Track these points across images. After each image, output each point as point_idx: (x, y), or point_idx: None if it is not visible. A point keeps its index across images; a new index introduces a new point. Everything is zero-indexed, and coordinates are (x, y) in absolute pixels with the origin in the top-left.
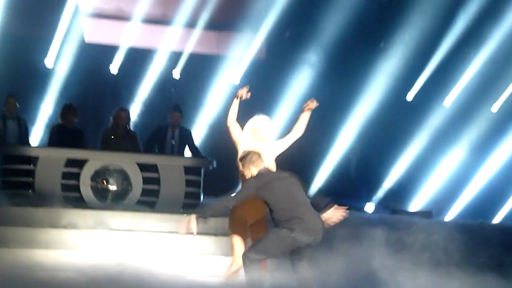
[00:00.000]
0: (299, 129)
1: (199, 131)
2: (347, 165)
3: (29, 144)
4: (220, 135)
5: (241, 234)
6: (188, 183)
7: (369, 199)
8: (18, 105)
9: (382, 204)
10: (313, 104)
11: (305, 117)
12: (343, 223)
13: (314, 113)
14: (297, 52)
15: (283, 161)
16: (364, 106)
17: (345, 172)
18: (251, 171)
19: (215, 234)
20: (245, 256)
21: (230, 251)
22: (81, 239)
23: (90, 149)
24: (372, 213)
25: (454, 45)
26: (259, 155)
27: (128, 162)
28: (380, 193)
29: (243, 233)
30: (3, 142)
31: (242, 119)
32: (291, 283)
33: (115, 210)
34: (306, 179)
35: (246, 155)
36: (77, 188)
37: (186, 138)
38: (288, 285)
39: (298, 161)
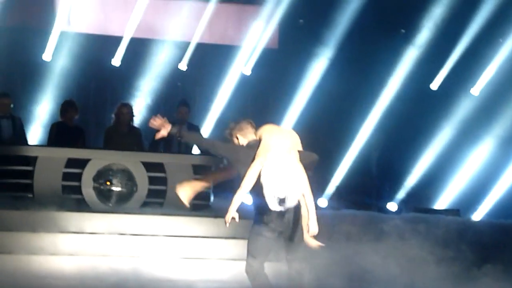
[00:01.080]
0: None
1: (208, 127)
2: (368, 160)
3: (26, 143)
4: None
5: None
6: None
7: (391, 197)
8: (12, 104)
9: (406, 203)
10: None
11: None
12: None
13: (332, 105)
14: (312, 40)
15: None
16: (385, 97)
17: (366, 168)
18: (238, 141)
19: (234, 237)
20: (247, 266)
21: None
22: (84, 243)
23: (92, 148)
24: (395, 212)
25: (481, 30)
26: (250, 124)
27: (132, 161)
28: (403, 190)
29: None
30: None
31: (256, 115)
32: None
33: (119, 212)
34: (323, 176)
35: (237, 122)
36: (78, 190)
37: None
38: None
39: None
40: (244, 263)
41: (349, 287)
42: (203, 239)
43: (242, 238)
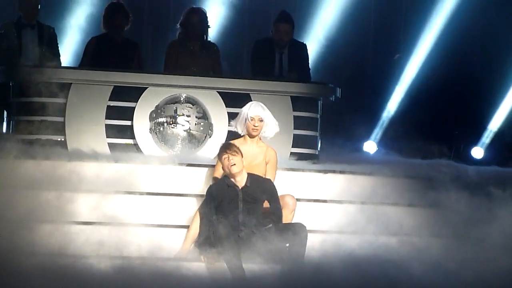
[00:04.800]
0: None
1: (312, 47)
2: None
3: (58, 65)
4: (346, 51)
5: None
6: (299, 121)
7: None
8: (40, 6)
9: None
10: None
11: None
12: None
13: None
14: None
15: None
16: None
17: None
18: None
19: None
20: None
21: None
22: (129, 206)
23: (149, 71)
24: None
25: None
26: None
27: (206, 90)
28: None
29: None
30: (16, 62)
31: None
32: None
33: (186, 164)
34: (471, 124)
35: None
36: (129, 131)
37: (299, 57)
38: None
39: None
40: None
41: None
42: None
43: None
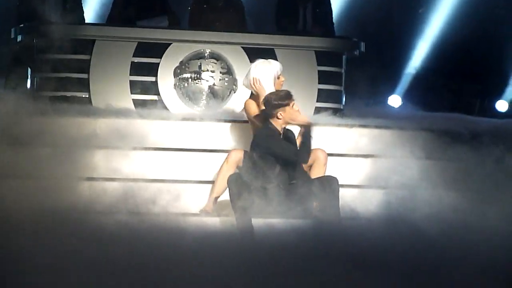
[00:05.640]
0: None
1: (335, 1)
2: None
3: (81, 21)
4: (370, 5)
5: None
6: (323, 76)
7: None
8: None
9: None
10: None
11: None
12: None
13: None
14: None
15: None
16: None
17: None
18: None
19: None
20: None
21: None
22: (155, 163)
23: (173, 27)
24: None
25: None
26: None
27: (230, 46)
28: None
29: None
30: (39, 19)
31: None
32: None
33: (211, 120)
34: (495, 77)
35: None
36: (154, 88)
37: (322, 11)
38: None
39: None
40: None
41: None
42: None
43: None
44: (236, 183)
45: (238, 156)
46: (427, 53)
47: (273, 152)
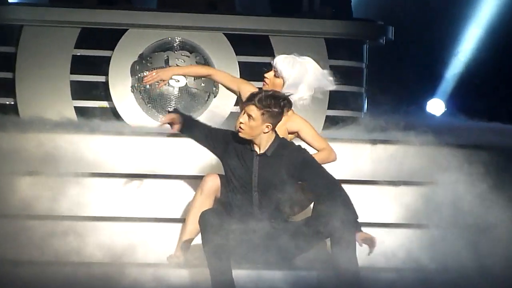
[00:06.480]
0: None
1: None
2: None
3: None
4: None
5: None
6: (337, 73)
7: None
8: None
9: None
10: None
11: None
12: None
13: None
14: None
15: None
16: None
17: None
18: None
19: None
20: None
21: None
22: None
23: (130, 7)
24: None
25: None
26: None
27: (209, 32)
28: None
29: None
30: None
31: None
32: None
33: (181, 135)
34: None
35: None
36: (103, 89)
37: None
38: None
39: None
40: None
41: None
42: None
43: None
44: (210, 221)
45: (215, 183)
46: (477, 45)
47: None
